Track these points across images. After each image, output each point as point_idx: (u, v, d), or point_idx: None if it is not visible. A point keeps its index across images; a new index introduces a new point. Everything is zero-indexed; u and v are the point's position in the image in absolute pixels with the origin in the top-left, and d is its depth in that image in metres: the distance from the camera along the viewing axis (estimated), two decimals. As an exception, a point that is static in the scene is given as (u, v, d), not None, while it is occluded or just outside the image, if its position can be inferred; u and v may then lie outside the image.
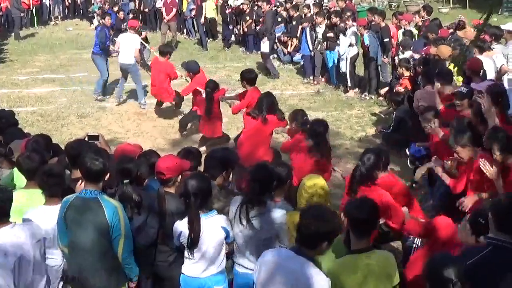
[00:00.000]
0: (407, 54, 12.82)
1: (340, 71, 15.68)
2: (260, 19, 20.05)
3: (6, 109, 9.95)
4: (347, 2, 18.19)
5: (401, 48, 13.40)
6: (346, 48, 15.11)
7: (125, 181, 5.53)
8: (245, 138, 9.20)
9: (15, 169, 6.17)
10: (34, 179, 5.64)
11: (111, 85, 15.89)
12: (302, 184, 5.76)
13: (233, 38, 22.70)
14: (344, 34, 15.09)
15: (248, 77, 10.28)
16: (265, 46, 17.69)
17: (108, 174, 5.37)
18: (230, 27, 22.27)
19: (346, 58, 15.21)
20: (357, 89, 15.47)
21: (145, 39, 17.52)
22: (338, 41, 15.30)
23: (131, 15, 19.45)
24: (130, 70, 14.50)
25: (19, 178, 6.06)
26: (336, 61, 15.76)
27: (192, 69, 12.37)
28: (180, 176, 5.76)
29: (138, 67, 15.00)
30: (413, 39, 13.87)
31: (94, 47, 15.07)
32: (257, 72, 17.10)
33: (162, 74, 13.20)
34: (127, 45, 14.37)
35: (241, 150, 8.93)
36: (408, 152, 9.66)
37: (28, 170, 5.79)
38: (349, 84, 15.45)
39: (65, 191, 5.49)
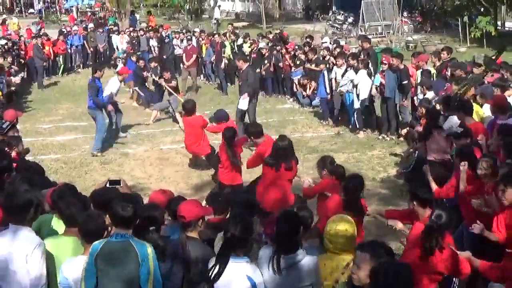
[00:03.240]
0: (429, 94, 12.79)
1: (356, 108, 15.56)
2: (280, 63, 20.26)
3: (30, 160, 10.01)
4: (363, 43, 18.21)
5: (422, 89, 13.37)
6: (345, 84, 15.42)
7: (151, 228, 5.57)
8: (264, 186, 9.08)
9: (54, 216, 6.15)
10: (74, 226, 5.61)
11: (131, 130, 16.09)
12: (327, 225, 5.66)
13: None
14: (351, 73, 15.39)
15: (253, 131, 9.84)
16: (243, 102, 15.31)
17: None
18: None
19: (358, 96, 15.26)
20: (369, 130, 15.59)
21: (175, 88, 17.81)
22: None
23: (153, 63, 19.60)
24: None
25: (58, 225, 6.04)
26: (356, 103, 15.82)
27: (221, 117, 12.32)
28: (201, 221, 5.79)
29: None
30: (431, 79, 13.89)
31: (89, 101, 14.90)
32: (284, 115, 17.33)
33: (196, 129, 12.83)
34: (108, 86, 15.53)
35: (261, 197, 8.89)
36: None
37: (69, 216, 5.76)
38: (357, 125, 15.52)
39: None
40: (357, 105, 15.31)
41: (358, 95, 15.21)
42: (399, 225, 6.94)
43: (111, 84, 15.84)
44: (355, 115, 15.45)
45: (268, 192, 8.90)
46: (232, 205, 6.50)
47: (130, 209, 5.27)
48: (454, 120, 9.74)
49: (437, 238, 5.66)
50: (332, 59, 17.15)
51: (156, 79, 18.24)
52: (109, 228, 5.49)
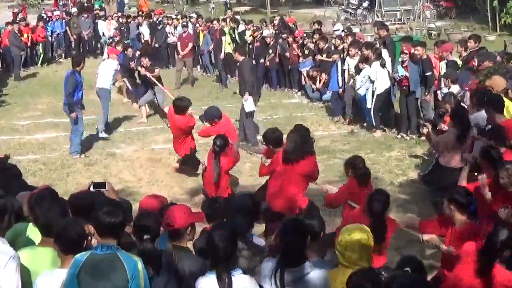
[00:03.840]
0: (454, 88, 12.75)
1: (368, 108, 15.57)
2: (286, 53, 20.22)
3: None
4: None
5: (447, 82, 13.27)
6: (363, 83, 15.30)
7: (145, 237, 5.48)
8: (273, 183, 9.10)
9: (30, 224, 6.10)
10: (51, 235, 5.51)
11: (119, 128, 16.10)
12: (339, 235, 5.62)
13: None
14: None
15: (272, 138, 9.59)
16: (248, 104, 15.01)
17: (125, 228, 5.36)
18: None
19: (373, 94, 15.26)
20: (387, 129, 15.61)
21: (158, 78, 17.54)
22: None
23: (137, 53, 19.61)
24: (100, 94, 15.76)
25: (34, 234, 6.00)
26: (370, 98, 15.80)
27: (213, 116, 12.16)
28: (190, 229, 5.76)
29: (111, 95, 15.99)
30: (457, 71, 13.83)
31: (65, 98, 14.44)
32: (291, 111, 17.30)
33: (179, 130, 12.79)
34: (104, 71, 15.94)
35: (270, 197, 8.93)
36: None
37: (45, 225, 5.69)
38: (374, 123, 15.51)
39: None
40: (369, 104, 15.33)
41: (373, 92, 15.20)
42: (436, 241, 6.98)
43: (106, 66, 16.39)
44: (372, 113, 15.43)
45: (276, 190, 8.93)
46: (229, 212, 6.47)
47: (116, 216, 5.18)
48: (481, 115, 9.70)
49: (496, 255, 5.66)
50: (346, 47, 17.15)
51: (142, 70, 17.72)
52: (89, 238, 5.44)
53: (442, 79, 13.79)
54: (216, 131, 11.42)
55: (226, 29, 23.22)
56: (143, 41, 26.13)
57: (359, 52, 16.18)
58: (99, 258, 5.09)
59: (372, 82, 15.14)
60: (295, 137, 8.91)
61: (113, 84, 17.67)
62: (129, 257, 5.14)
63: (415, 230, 7.56)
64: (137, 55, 19.40)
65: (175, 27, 25.26)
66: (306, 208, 8.67)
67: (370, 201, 7.06)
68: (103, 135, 15.81)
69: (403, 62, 14.74)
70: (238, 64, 15.72)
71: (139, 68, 17.85)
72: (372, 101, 15.28)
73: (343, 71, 16.75)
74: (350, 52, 16.52)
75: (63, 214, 5.84)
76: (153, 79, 17.34)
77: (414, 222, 7.87)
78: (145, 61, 17.67)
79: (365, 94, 15.52)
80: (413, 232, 7.74)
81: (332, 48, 18.64)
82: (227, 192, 10.50)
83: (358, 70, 15.92)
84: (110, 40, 25.00)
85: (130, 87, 19.42)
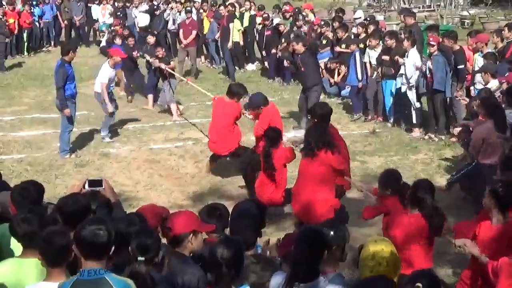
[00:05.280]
0: (493, 83, 12.63)
1: (414, 105, 15.47)
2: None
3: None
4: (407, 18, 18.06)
5: (486, 75, 12.99)
6: (414, 72, 15.08)
7: (139, 259, 5.39)
8: (297, 184, 9.22)
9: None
10: (32, 246, 5.56)
11: (114, 125, 16.13)
12: (363, 251, 5.62)
13: (266, 64, 22.91)
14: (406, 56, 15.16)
15: (322, 113, 10.03)
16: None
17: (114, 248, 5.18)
18: (264, 52, 22.58)
19: (414, 87, 15.19)
20: (421, 128, 15.53)
21: (173, 70, 17.91)
22: (401, 67, 15.27)
23: (150, 40, 19.46)
24: (99, 100, 15.59)
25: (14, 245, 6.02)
26: (394, 92, 15.86)
27: (258, 102, 12.25)
28: (191, 236, 5.77)
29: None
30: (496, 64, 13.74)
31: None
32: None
33: (228, 117, 12.67)
34: (101, 75, 15.54)
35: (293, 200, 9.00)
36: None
37: (25, 236, 5.73)
38: (414, 121, 15.46)
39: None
40: (416, 102, 15.32)
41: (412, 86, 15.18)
42: (469, 246, 7.00)
43: (102, 72, 15.58)
44: (414, 110, 15.37)
45: (298, 191, 9.06)
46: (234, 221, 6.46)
47: (103, 233, 5.01)
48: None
49: None
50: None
51: (151, 60, 17.97)
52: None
53: (479, 73, 13.61)
54: (264, 123, 11.69)
55: (247, 15, 23.34)
56: (137, 27, 25.57)
57: (381, 43, 16.19)
58: (86, 285, 4.97)
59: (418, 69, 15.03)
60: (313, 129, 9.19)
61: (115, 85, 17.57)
62: (120, 280, 5.02)
63: (451, 235, 7.61)
64: (148, 40, 19.24)
65: (179, 12, 24.97)
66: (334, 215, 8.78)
67: (416, 190, 7.36)
68: (108, 140, 15.59)
69: (430, 54, 14.68)
70: (299, 55, 16.02)
71: (148, 58, 17.97)
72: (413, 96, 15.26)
73: (363, 63, 16.75)
74: (370, 43, 16.52)
75: (41, 222, 5.78)
76: (171, 71, 17.56)
77: (449, 225, 7.93)
78: (161, 52, 17.78)
79: (391, 89, 15.55)
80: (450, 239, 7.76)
81: (352, 38, 18.64)
82: (281, 197, 10.65)
83: (380, 63, 15.93)
84: (110, 28, 24.92)
85: (126, 80, 19.47)
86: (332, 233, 5.90)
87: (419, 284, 4.94)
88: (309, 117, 10.89)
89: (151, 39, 19.13)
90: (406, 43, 15.15)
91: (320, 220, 8.25)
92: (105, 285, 4.94)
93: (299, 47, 15.76)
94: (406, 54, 15.08)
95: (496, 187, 6.95)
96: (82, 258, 5.09)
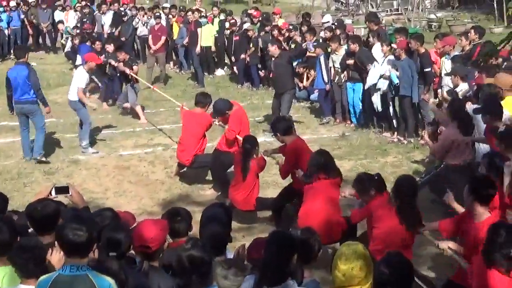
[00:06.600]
0: (463, 86, 12.61)
1: (376, 109, 15.67)
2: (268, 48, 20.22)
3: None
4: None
5: (456, 79, 12.89)
6: (377, 79, 15.17)
7: (111, 254, 5.44)
8: (303, 206, 9.27)
9: None
10: (4, 255, 5.54)
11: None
12: (333, 266, 5.37)
13: (234, 69, 22.89)
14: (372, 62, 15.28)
15: (282, 127, 10.25)
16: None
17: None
18: (232, 58, 22.59)
19: (382, 93, 15.29)
20: (391, 131, 15.66)
21: (136, 74, 17.92)
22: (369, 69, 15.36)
23: (110, 46, 19.44)
24: (74, 108, 15.32)
25: None
26: (360, 96, 16.00)
27: (222, 109, 12.35)
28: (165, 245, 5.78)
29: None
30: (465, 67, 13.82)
31: (32, 94, 14.43)
32: (268, 113, 17.31)
33: (201, 128, 12.83)
34: (75, 81, 15.23)
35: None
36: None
37: None
38: (395, 125, 15.53)
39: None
40: (380, 106, 15.49)
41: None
42: (452, 250, 7.11)
43: (77, 78, 15.32)
44: (392, 114, 15.49)
45: (307, 212, 9.05)
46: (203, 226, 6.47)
47: (83, 233, 5.06)
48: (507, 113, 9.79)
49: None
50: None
51: (115, 64, 18.11)
52: (51, 250, 5.38)
53: (448, 76, 13.59)
54: (235, 126, 12.05)
55: (216, 20, 23.50)
56: (105, 33, 25.65)
57: (344, 47, 16.30)
58: (67, 280, 5.00)
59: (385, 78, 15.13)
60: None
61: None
62: (102, 278, 5.05)
63: (435, 232, 7.74)
64: (107, 49, 19.21)
65: (148, 18, 24.77)
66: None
67: (399, 185, 7.68)
68: (91, 150, 15.26)
69: (397, 57, 14.76)
70: (273, 59, 16.32)
71: (113, 62, 17.92)
72: (378, 102, 15.41)
73: (329, 67, 16.82)
74: (331, 47, 16.66)
75: (11, 231, 5.76)
76: (136, 76, 17.60)
77: (433, 225, 8.00)
78: (122, 56, 17.74)
79: (358, 92, 15.71)
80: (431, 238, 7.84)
81: (320, 41, 18.72)
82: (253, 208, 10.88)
83: (344, 67, 16.09)
84: (76, 30, 24.81)
85: (99, 84, 19.41)
86: (306, 237, 5.93)
87: None
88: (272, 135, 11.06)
89: (109, 48, 19.14)
90: (385, 49, 15.19)
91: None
92: (87, 282, 4.98)
93: (274, 50, 15.84)
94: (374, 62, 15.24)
95: (475, 183, 6.94)
96: (64, 255, 5.18)
